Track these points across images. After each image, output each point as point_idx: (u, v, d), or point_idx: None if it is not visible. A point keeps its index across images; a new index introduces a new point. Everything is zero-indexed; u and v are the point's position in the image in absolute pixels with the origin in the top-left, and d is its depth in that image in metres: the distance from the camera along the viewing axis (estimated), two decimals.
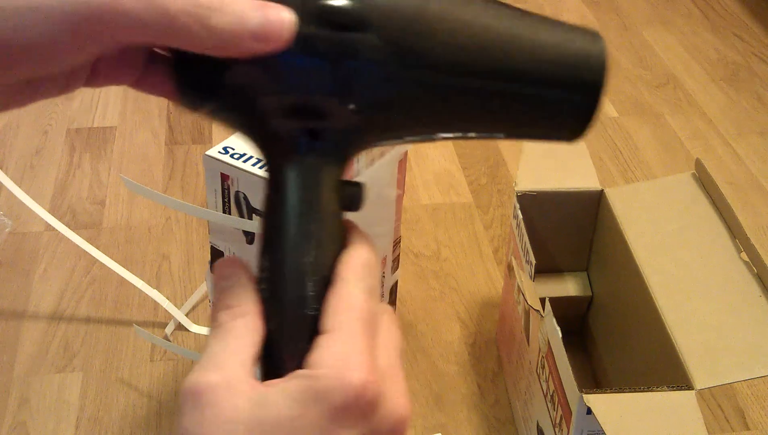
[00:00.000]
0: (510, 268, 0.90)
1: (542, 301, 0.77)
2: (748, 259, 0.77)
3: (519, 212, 0.86)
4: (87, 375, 0.94)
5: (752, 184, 1.26)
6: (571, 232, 0.95)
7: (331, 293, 0.37)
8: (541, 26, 0.39)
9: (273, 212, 0.38)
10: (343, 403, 0.33)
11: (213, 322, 0.36)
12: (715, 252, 0.80)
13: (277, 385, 0.34)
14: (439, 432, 0.90)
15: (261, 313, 0.37)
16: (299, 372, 0.34)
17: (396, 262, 0.95)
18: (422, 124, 0.40)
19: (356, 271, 0.37)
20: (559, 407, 0.73)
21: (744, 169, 1.29)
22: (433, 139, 0.41)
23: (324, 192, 0.38)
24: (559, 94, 0.39)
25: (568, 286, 0.97)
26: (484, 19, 0.39)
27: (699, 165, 0.86)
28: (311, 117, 0.38)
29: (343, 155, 0.39)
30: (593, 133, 1.35)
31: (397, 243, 0.93)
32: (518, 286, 0.85)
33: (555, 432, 0.75)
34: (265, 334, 0.36)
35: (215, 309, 0.37)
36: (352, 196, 0.39)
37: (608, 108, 1.41)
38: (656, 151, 1.31)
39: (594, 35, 0.40)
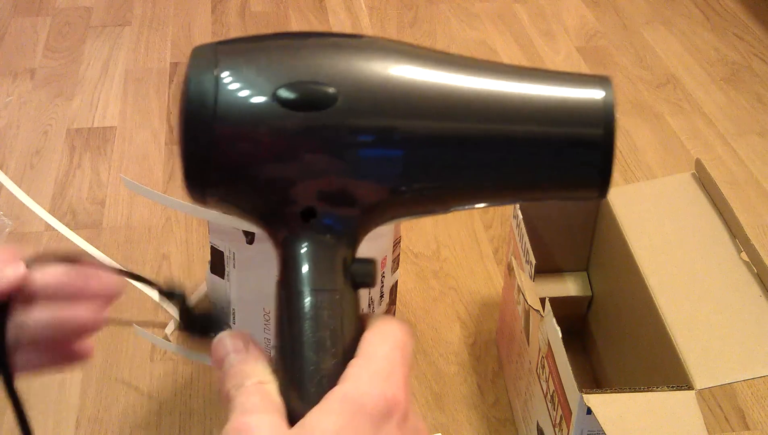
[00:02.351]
0: (510, 268, 0.90)
1: (542, 301, 0.77)
2: (748, 259, 0.77)
3: (519, 212, 0.86)
4: (87, 375, 0.94)
5: (752, 184, 1.26)
6: (571, 232, 0.95)
7: (366, 331, 0.38)
8: (538, 83, 0.38)
9: (283, 292, 0.39)
10: (382, 414, 0.35)
11: (236, 386, 0.37)
12: (715, 252, 0.80)
13: (314, 409, 0.35)
14: (439, 432, 0.90)
15: (278, 386, 0.38)
16: (335, 390, 0.35)
17: (396, 262, 0.95)
18: (435, 201, 0.40)
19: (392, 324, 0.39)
20: (559, 407, 0.73)
21: (744, 169, 1.29)
22: (450, 211, 0.41)
23: (334, 271, 0.39)
24: (567, 154, 0.38)
25: (568, 286, 0.97)
26: (469, 83, 0.38)
27: (699, 165, 0.86)
28: (319, 200, 0.38)
29: (354, 234, 0.40)
30: None
31: (397, 243, 0.93)
32: (518, 286, 0.85)
33: (555, 432, 0.75)
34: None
35: (236, 376, 0.38)
36: (364, 273, 0.39)
37: None
38: (656, 151, 1.31)
39: (601, 82, 0.39)
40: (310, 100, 0.37)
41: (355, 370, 0.36)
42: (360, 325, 0.39)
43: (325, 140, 0.37)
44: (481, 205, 0.41)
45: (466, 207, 0.40)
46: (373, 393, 0.35)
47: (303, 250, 0.38)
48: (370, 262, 0.40)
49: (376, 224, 0.40)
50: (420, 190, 0.39)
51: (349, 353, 0.37)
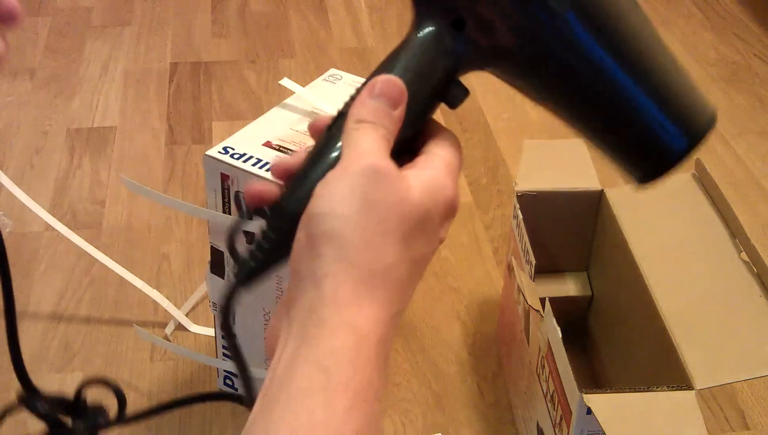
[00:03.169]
0: (510, 268, 0.90)
1: (542, 301, 0.77)
2: (748, 259, 0.77)
3: (519, 212, 0.86)
4: (87, 375, 0.94)
5: (752, 184, 1.26)
6: (571, 232, 0.95)
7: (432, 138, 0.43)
8: (679, 66, 0.45)
9: (383, 67, 0.43)
10: (448, 208, 0.41)
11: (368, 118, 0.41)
12: (715, 252, 0.80)
13: (415, 184, 0.40)
14: (439, 432, 0.90)
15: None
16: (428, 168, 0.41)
17: None
18: (541, 82, 0.44)
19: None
20: (559, 407, 0.73)
21: (744, 169, 1.29)
22: (536, 102, 0.45)
23: (438, 74, 0.43)
24: (671, 124, 0.45)
25: (568, 286, 0.97)
26: (653, 41, 0.44)
27: (699, 165, 0.86)
28: (476, 19, 0.42)
29: (470, 64, 0.44)
30: None
31: None
32: (518, 286, 0.85)
33: (555, 432, 0.75)
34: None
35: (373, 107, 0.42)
36: (459, 89, 0.44)
37: None
38: None
39: (710, 104, 0.46)
40: None
41: (430, 163, 0.41)
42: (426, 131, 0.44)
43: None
44: (562, 113, 0.45)
45: (550, 105, 0.45)
46: (447, 187, 0.41)
47: (428, 42, 0.43)
48: (467, 90, 0.45)
49: (485, 68, 0.44)
50: (544, 63, 0.42)
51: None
